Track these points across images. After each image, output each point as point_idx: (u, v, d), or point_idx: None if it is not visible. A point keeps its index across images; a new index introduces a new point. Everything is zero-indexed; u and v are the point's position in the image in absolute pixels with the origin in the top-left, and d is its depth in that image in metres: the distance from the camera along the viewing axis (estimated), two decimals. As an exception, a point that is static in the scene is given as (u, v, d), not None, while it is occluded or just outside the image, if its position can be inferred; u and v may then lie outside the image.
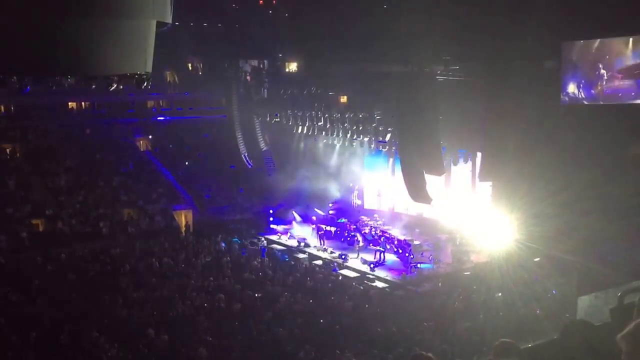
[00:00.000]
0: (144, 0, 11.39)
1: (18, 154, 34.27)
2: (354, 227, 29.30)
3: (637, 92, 18.00)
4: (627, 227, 19.41)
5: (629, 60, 18.13)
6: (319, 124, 30.90)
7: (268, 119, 34.45)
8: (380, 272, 24.53)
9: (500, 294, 18.93)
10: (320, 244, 28.24)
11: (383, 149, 29.13)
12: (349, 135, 29.72)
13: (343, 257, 26.15)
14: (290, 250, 28.31)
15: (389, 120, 27.04)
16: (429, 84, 22.34)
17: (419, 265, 24.77)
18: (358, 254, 25.92)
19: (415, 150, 22.87)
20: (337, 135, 30.33)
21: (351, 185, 33.59)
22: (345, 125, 29.66)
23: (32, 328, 16.60)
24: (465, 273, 23.94)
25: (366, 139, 29.17)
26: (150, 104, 41.07)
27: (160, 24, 12.30)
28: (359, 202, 33.55)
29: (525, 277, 20.43)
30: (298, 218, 31.83)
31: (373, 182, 32.77)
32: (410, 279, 23.56)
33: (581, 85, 19.31)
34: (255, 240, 29.19)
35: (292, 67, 39.33)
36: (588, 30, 18.74)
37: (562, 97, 19.46)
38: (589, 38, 19.00)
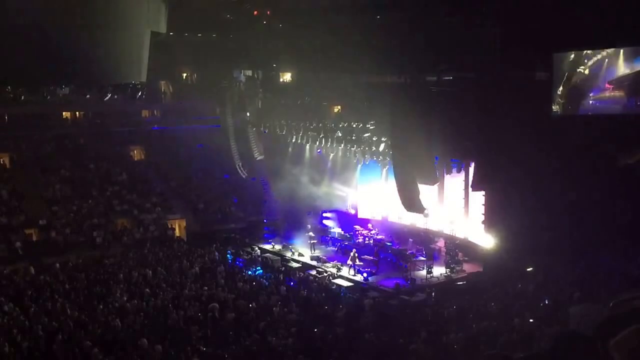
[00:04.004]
0: (138, 10, 11.49)
1: (12, 164, 34.21)
2: (348, 236, 29.34)
3: (627, 103, 18.17)
4: (619, 237, 19.53)
5: (619, 71, 18.32)
6: (313, 134, 31.01)
7: (262, 128, 34.55)
8: (373, 282, 24.55)
9: (493, 304, 18.98)
10: (314, 253, 28.23)
11: (376, 159, 29.21)
12: (342, 145, 29.83)
13: (337, 266, 26.17)
14: (283, 259, 28.30)
15: (383, 130, 27.14)
16: (422, 94, 22.46)
17: (412, 274, 24.80)
18: (352, 264, 25.89)
19: (408, 160, 22.96)
20: (331, 145, 30.43)
21: (344, 195, 33.66)
22: (339, 135, 29.78)
23: (25, 338, 16.56)
24: (459, 283, 24.00)
25: (360, 149, 29.27)
26: (144, 113, 41.09)
27: (155, 34, 12.39)
28: (352, 211, 33.62)
29: (518, 287, 20.51)
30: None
31: (367, 191, 32.83)
32: (404, 288, 23.58)
33: (572, 96, 19.48)
34: (249, 250, 29.20)
35: (287, 77, 39.49)
36: (579, 41, 18.93)
37: (553, 107, 19.62)
38: (580, 49, 19.18)
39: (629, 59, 18.27)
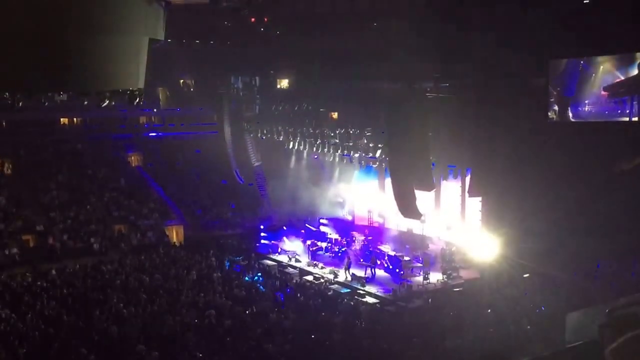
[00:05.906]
0: (136, 17, 11.51)
1: (9, 169, 34.19)
2: (345, 242, 29.37)
3: (622, 110, 18.26)
4: (615, 244, 19.59)
5: (614, 78, 18.41)
6: (310, 140, 31.12)
7: (259, 134, 34.67)
8: (370, 288, 24.55)
9: (490, 310, 19.00)
10: (311, 260, 28.24)
11: (373, 165, 29.29)
12: (339, 151, 29.92)
13: (333, 272, 26.17)
14: (280, 265, 28.29)
15: (379, 136, 27.22)
16: (419, 100, 22.54)
17: (409, 281, 24.81)
18: (348, 270, 25.88)
19: (405, 166, 23.02)
20: (328, 151, 30.53)
21: (342, 200, 33.73)
22: (336, 141, 29.88)
23: (22, 344, 16.54)
24: (456, 289, 24.00)
25: (356, 155, 29.36)
26: (142, 119, 41.16)
27: (152, 41, 12.44)
28: (349, 217, 33.68)
29: (515, 294, 20.54)
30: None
31: (364, 197, 32.89)
32: (401, 294, 23.58)
33: (568, 103, 19.56)
34: (246, 256, 29.15)
35: (284, 83, 39.58)
36: (575, 48, 19.03)
37: (549, 114, 19.72)
38: (575, 56, 19.28)
39: (623, 65, 18.36)
